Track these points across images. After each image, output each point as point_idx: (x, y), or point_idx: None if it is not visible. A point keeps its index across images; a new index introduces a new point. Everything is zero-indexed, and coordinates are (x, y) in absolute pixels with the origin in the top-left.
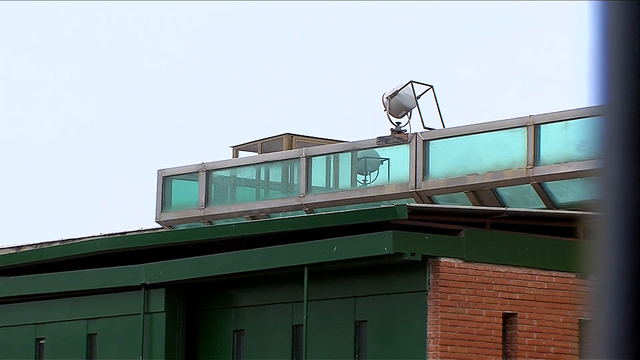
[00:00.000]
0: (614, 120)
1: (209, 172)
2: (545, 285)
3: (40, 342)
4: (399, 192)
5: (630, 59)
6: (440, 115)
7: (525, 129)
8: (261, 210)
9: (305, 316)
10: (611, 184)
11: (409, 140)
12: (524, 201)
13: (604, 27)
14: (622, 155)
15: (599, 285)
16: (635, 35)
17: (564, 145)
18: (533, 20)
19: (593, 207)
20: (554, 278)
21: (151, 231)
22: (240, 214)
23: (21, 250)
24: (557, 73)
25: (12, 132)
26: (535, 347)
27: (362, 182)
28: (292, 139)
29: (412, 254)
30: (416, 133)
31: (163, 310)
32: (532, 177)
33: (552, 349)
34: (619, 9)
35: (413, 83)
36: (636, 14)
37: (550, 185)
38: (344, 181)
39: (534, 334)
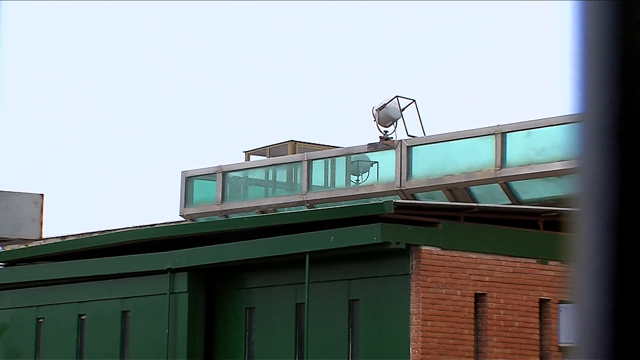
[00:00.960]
0: (590, 123)
1: (225, 173)
2: (511, 269)
3: (82, 317)
4: (386, 190)
5: (606, 64)
6: (422, 125)
7: (493, 136)
8: (269, 206)
9: (306, 296)
10: (588, 185)
11: (394, 146)
12: (492, 198)
13: (581, 29)
14: (598, 158)
15: (578, 280)
16: (611, 38)
17: (526, 150)
18: (506, 40)
19: (554, 203)
20: (518, 263)
21: (176, 223)
22: (252, 209)
23: (65, 240)
24: (523, 87)
25: (60, 139)
26: (502, 322)
27: (355, 181)
28: (295, 145)
29: (398, 243)
30: (401, 140)
31: (186, 290)
32: (499, 177)
33: (516, 323)
34: (595, 13)
35: (398, 97)
36: (612, 17)
37: (514, 185)
38: (340, 181)
39: (501, 310)
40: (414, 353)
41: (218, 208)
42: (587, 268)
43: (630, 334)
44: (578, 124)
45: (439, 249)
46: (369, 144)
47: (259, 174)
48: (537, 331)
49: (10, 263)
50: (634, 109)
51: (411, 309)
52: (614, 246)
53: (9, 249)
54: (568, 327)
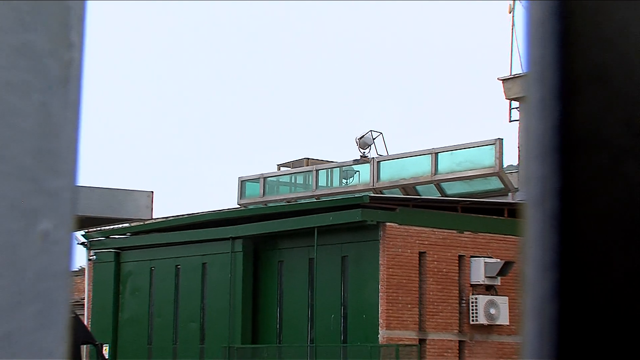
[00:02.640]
0: (534, 134)
1: (265, 178)
2: (441, 236)
3: (178, 267)
4: (364, 188)
5: (547, 83)
6: (386, 148)
7: (430, 155)
8: (292, 198)
9: (315, 254)
10: (532, 187)
11: (369, 162)
12: (429, 193)
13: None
14: (541, 164)
15: (525, 267)
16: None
17: (450, 163)
18: (440, 90)
19: (467, 196)
20: (445, 232)
21: (234, 209)
22: (281, 200)
23: (167, 219)
24: (450, 122)
25: (165, 155)
26: (435, 269)
27: (345, 183)
28: (308, 161)
29: (372, 221)
30: (373, 157)
31: (241, 250)
32: (434, 180)
33: (444, 269)
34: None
35: (372, 131)
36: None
37: (443, 184)
38: (335, 183)
39: (435, 262)
40: (381, 288)
41: (260, 199)
42: (532, 257)
43: (568, 311)
44: (525, 134)
45: (397, 224)
46: (353, 160)
47: (285, 178)
48: (457, 275)
49: (133, 233)
50: (570, 122)
51: (380, 262)
52: (554, 238)
53: (133, 225)
54: (475, 272)
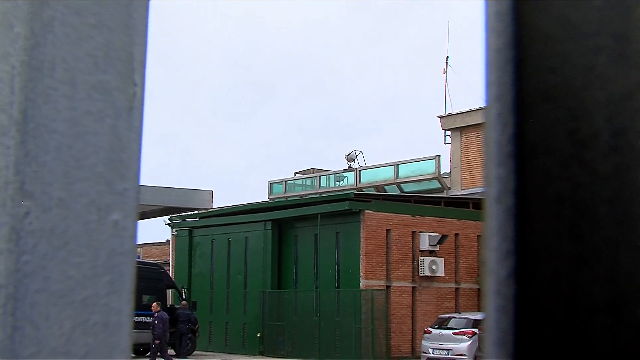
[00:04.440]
0: (493, 141)
1: (286, 181)
2: (401, 220)
3: (229, 239)
4: (350, 188)
5: (504, 101)
6: (365, 161)
7: (393, 166)
8: (304, 195)
9: (319, 231)
10: (492, 185)
11: (354, 170)
12: (393, 191)
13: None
14: (500, 166)
15: (486, 253)
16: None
17: (406, 172)
18: (397, 121)
19: (418, 192)
20: (403, 216)
21: (266, 201)
22: (296, 196)
23: (222, 208)
24: (406, 143)
25: (223, 168)
26: (398, 240)
27: (338, 184)
28: (314, 170)
29: (355, 209)
30: (356, 167)
31: (270, 229)
32: (396, 182)
33: (402, 240)
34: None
35: (355, 150)
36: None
37: (402, 185)
38: (332, 184)
39: (397, 236)
40: (362, 253)
41: (282, 195)
42: (492, 246)
43: (523, 291)
44: (485, 143)
45: (372, 211)
46: (343, 169)
47: (299, 181)
48: (411, 243)
49: (201, 217)
50: (524, 133)
51: (361, 236)
52: (511, 230)
53: (200, 212)
54: (422, 242)
